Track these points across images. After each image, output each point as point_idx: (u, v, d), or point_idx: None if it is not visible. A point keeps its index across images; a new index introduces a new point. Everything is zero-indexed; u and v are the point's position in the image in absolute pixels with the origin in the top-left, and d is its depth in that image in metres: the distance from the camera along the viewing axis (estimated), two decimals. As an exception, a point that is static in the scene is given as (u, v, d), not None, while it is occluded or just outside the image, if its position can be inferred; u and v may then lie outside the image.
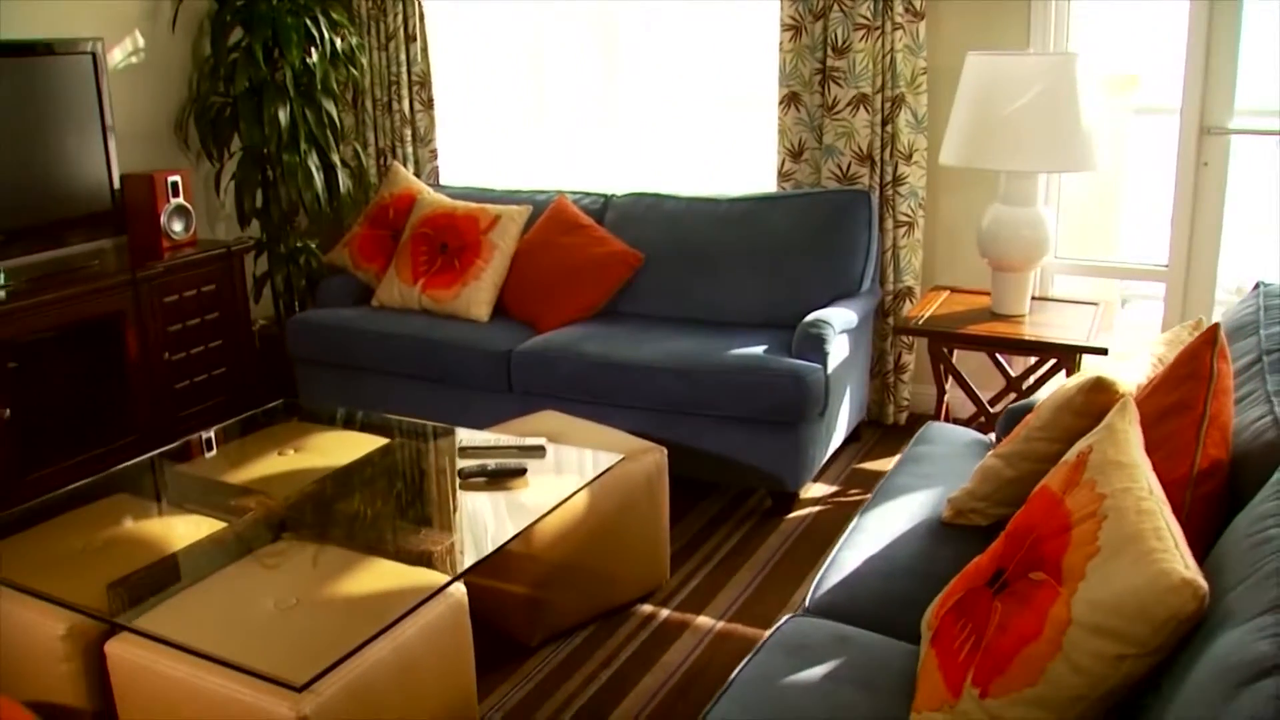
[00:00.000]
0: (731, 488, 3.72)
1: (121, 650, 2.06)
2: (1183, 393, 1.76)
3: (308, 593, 2.13)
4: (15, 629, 2.19)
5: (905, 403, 4.20)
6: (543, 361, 3.66)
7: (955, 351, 3.72)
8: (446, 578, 2.16)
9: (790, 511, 3.52)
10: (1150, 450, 1.72)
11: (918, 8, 3.78)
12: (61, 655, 2.11)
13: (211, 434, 3.06)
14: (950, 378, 3.56)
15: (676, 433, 3.49)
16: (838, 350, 3.48)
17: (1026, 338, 3.34)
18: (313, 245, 4.60)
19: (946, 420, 3.64)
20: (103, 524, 2.48)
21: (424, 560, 2.25)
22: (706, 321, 3.89)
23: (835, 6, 3.85)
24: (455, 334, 3.86)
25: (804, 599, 2.09)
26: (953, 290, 3.87)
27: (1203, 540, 1.59)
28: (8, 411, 3.38)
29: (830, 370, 3.42)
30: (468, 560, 2.26)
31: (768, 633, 1.92)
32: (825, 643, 1.85)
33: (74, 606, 2.11)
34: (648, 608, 2.95)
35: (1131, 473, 1.53)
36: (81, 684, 2.13)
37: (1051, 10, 3.77)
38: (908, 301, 4.05)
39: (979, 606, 1.60)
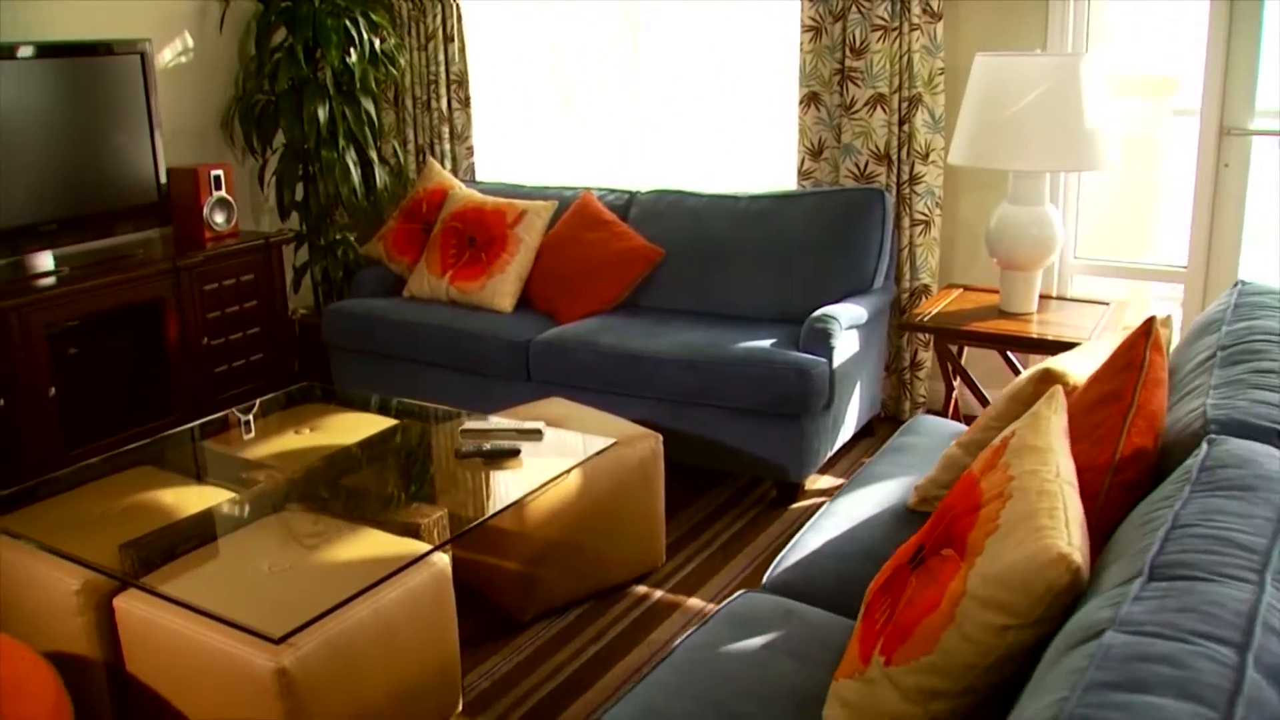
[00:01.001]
0: (739, 477, 3.81)
1: (129, 605, 2.23)
2: (1115, 383, 1.82)
3: (301, 558, 2.27)
4: (35, 584, 2.37)
5: (921, 399, 4.25)
6: (559, 351, 3.78)
7: (965, 350, 3.77)
8: (429, 547, 2.29)
9: (795, 502, 3.60)
10: (1080, 437, 1.79)
11: (935, 9, 3.83)
12: (75, 609, 2.28)
13: (235, 413, 3.24)
14: (958, 375, 3.61)
15: (685, 422, 3.59)
16: (844, 345, 3.55)
17: (1022, 335, 3.38)
18: (351, 238, 4.78)
19: (956, 417, 3.70)
20: (124, 492, 2.66)
21: (411, 531, 2.39)
22: (722, 315, 3.98)
23: (854, 8, 3.92)
24: (478, 324, 4.01)
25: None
26: (966, 289, 3.92)
27: (1116, 523, 1.66)
28: (54, 390, 3.61)
29: (836, 365, 3.50)
30: (451, 532, 2.38)
31: (718, 606, 2.02)
32: (771, 617, 1.95)
33: (88, 564, 2.28)
34: (642, 588, 3.05)
35: (1043, 456, 1.60)
36: (94, 636, 2.30)
37: (1069, 11, 3.79)
38: (923, 299, 4.10)
39: (899, 582, 1.68)
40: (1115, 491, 1.69)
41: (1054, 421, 1.69)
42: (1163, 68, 4.10)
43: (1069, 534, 1.41)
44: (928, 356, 4.17)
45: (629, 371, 3.63)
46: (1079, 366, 2.10)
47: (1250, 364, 1.94)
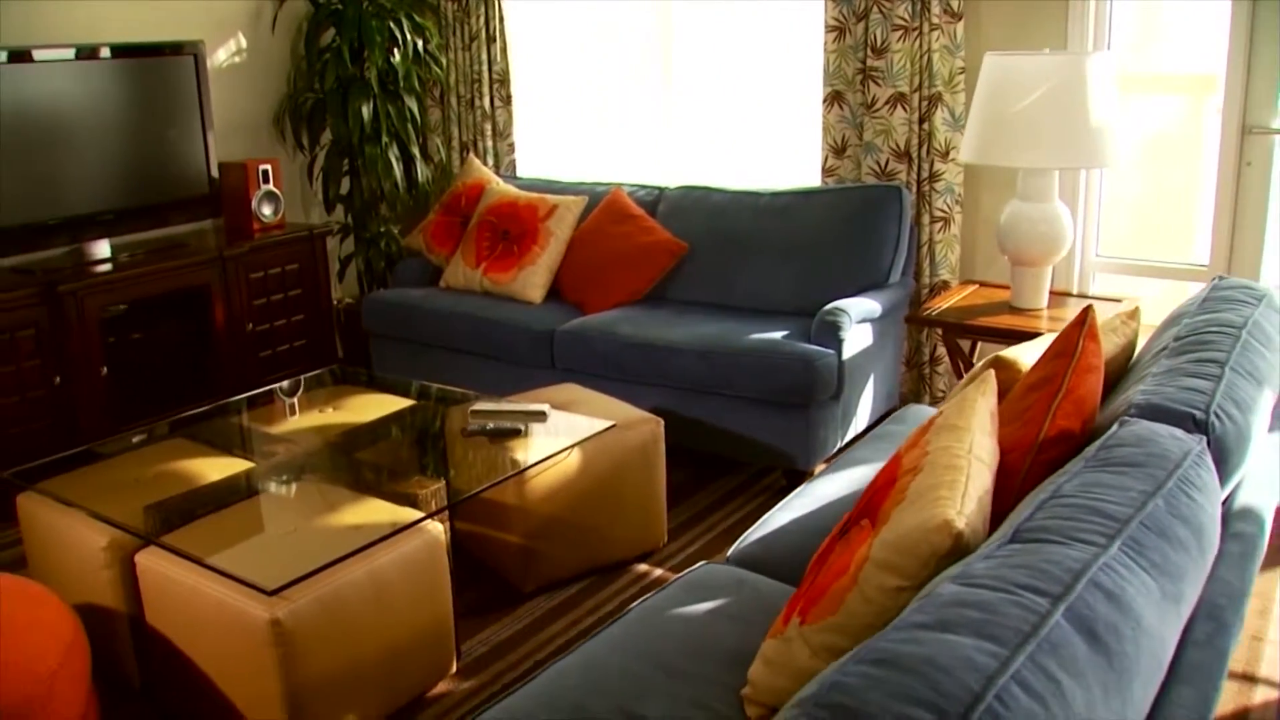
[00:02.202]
0: (750, 465, 3.91)
1: (148, 561, 2.43)
2: (1049, 369, 1.90)
3: (305, 523, 2.45)
4: (70, 541, 2.59)
5: (941, 393, 4.31)
6: (581, 340, 3.93)
7: (978, 344, 3.83)
8: (422, 515, 2.45)
9: (803, 490, 3.69)
10: (1011, 419, 1.88)
11: (955, 9, 3.89)
12: (103, 564, 2.49)
13: (266, 392, 3.45)
14: (967, 368, 3.67)
15: (699, 410, 3.71)
16: (855, 338, 3.64)
17: (1026, 329, 3.43)
18: (394, 230, 4.99)
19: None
20: (157, 461, 2.87)
21: (410, 501, 2.55)
22: (742, 308, 4.09)
23: (875, 8, 4.00)
24: (507, 314, 4.18)
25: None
26: (981, 284, 3.97)
27: (1033, 500, 1.75)
28: (106, 369, 3.86)
29: (846, 357, 3.59)
30: (448, 503, 2.55)
31: (677, 575, 2.14)
32: (724, 585, 2.07)
33: (115, 523, 2.49)
34: (643, 566, 3.19)
35: (960, 434, 1.70)
36: (118, 589, 2.51)
37: (1089, 11, 3.82)
38: (940, 295, 4.16)
39: (828, 551, 1.79)
40: (1037, 469, 1.78)
41: (980, 403, 1.79)
42: (1204, 66, 4.10)
43: (961, 504, 1.51)
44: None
45: (645, 360, 3.76)
46: (1032, 355, 2.18)
47: (1196, 354, 2.00)
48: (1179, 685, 1.24)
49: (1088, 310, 1.94)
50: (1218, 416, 1.71)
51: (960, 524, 1.46)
